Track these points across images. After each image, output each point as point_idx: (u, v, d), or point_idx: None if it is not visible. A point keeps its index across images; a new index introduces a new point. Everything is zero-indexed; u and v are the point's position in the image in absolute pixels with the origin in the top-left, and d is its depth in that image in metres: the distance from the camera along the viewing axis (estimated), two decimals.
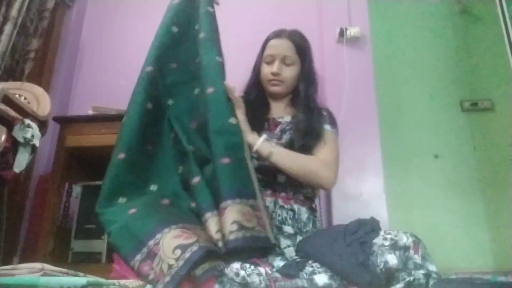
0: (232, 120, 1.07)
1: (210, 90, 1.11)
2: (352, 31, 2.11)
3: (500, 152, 2.17)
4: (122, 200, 1.08)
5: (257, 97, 1.32)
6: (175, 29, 1.30)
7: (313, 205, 1.24)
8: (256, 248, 0.93)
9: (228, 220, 0.91)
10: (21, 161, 1.51)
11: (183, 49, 1.29)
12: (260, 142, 1.11)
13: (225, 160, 1.00)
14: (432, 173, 2.21)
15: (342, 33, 2.12)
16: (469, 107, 2.30)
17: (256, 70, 1.34)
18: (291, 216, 1.13)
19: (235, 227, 0.90)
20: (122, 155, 1.12)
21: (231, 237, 0.89)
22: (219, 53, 1.18)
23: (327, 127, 1.26)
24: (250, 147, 1.09)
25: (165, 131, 1.21)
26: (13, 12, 2.09)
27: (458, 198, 2.15)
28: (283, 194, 1.16)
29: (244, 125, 1.11)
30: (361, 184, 1.90)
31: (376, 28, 2.28)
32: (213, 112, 1.08)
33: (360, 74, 2.07)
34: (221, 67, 1.15)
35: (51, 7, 2.38)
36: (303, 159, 1.14)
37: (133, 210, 1.01)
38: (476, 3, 2.48)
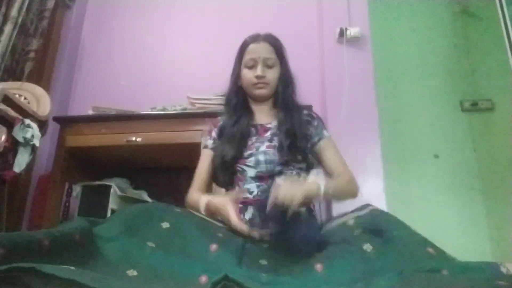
0: None
1: None
2: (352, 31, 2.11)
3: (500, 152, 2.16)
4: None
5: (238, 103, 1.32)
6: None
7: (311, 205, 1.24)
8: None
9: None
10: (21, 161, 1.51)
11: None
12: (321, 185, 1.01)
13: None
14: (432, 173, 2.21)
15: (342, 33, 2.12)
16: (469, 107, 2.30)
17: (235, 76, 1.34)
18: None
19: None
20: None
21: None
22: None
23: (325, 133, 1.29)
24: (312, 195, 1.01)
25: None
26: (13, 12, 2.09)
27: (458, 198, 2.15)
28: None
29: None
30: (361, 184, 1.88)
31: (376, 28, 2.28)
32: None
33: (360, 74, 2.06)
34: None
35: (51, 7, 2.39)
36: (342, 187, 1.16)
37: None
38: (476, 3, 2.48)
